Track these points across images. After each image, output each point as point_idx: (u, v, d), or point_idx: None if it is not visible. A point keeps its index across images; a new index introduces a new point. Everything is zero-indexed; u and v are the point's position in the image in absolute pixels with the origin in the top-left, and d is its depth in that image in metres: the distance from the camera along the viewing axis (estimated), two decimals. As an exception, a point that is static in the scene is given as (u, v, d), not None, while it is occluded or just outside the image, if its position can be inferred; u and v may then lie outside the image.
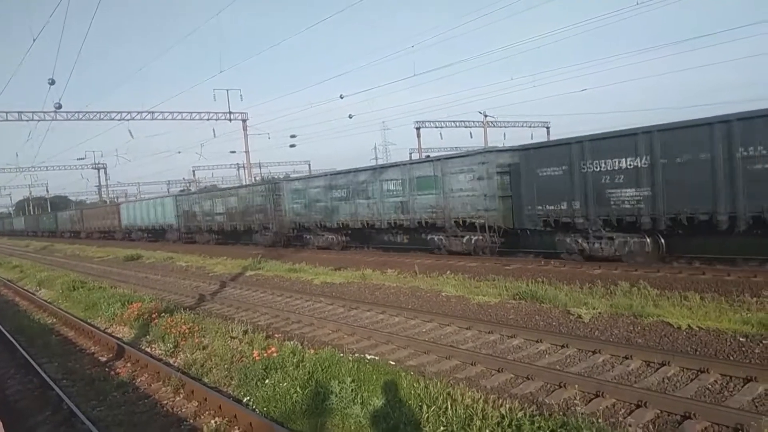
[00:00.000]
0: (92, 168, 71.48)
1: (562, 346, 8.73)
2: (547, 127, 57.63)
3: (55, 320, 15.40)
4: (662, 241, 14.03)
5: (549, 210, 15.29)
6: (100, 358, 11.08)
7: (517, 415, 5.68)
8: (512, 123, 53.75)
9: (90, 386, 9.31)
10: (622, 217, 13.75)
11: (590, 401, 6.68)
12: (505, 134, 70.61)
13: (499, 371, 7.94)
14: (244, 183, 49.35)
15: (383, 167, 22.40)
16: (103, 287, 18.76)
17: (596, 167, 14.01)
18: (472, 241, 18.08)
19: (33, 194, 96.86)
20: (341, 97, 42.04)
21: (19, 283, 24.41)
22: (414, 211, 19.74)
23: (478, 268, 16.10)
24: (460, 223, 18.20)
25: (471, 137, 53.40)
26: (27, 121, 37.01)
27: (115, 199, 73.41)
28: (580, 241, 14.98)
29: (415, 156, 55.06)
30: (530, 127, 56.82)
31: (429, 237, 19.74)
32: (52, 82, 29.60)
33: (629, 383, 7.09)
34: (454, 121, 48.78)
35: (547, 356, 8.52)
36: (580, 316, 10.10)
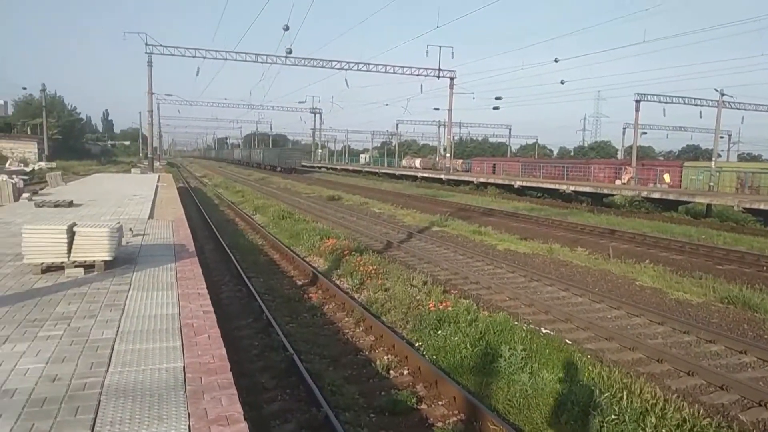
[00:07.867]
0: (309, 112, 78.45)
1: (773, 364, 7.60)
2: (798, 115, 48.69)
3: (264, 242, 17.47)
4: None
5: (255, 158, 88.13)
6: (297, 281, 12.36)
7: (701, 422, 5.14)
8: (755, 106, 46.25)
9: (286, 304, 10.48)
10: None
11: (798, 431, 5.77)
12: (743, 118, 61.04)
13: (688, 374, 7.21)
14: (443, 140, 50.52)
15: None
16: (306, 220, 20.73)
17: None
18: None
19: (259, 130, 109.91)
20: (556, 61, 40.13)
21: (239, 206, 28.00)
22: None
23: (683, 262, 14.57)
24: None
25: (701, 117, 47.12)
26: (261, 63, 41.61)
27: (326, 143, 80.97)
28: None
29: (629, 131, 50.82)
30: (776, 112, 48.47)
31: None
32: (286, 28, 32.83)
33: None
34: (681, 97, 43.21)
35: (750, 370, 7.50)
36: (802, 336, 8.66)
